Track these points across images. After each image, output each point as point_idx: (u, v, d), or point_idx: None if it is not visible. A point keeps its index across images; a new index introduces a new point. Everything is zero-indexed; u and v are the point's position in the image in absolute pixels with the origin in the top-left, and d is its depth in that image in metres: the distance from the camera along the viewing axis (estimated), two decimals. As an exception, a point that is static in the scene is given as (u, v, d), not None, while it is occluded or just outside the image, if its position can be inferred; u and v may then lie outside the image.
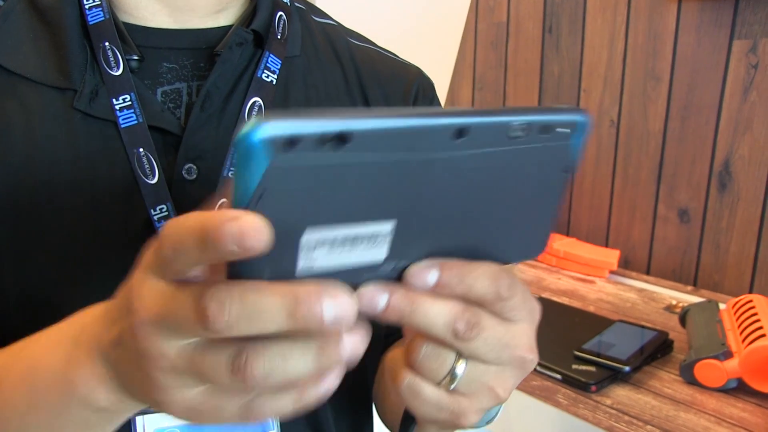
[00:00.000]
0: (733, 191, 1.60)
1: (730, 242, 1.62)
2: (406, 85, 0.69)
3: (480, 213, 0.34)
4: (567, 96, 1.92)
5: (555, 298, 1.53)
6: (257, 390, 0.32)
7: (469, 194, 0.33)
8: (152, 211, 0.54)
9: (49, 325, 0.47)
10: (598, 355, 1.16)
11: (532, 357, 0.40)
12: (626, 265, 1.81)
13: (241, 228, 0.26)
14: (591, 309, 1.47)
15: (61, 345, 0.40)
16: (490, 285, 0.36)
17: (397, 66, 0.71)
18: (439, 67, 2.22)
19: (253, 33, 0.60)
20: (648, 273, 1.77)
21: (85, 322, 0.40)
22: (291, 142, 0.27)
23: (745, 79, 1.56)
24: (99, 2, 0.57)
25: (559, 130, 0.32)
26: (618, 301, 1.53)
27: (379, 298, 0.34)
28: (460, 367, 0.39)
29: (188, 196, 0.56)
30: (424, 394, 0.40)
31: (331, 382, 0.32)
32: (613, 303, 1.52)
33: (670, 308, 1.48)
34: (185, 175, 0.56)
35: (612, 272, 1.72)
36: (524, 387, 1.12)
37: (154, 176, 0.55)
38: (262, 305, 0.28)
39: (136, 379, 0.35)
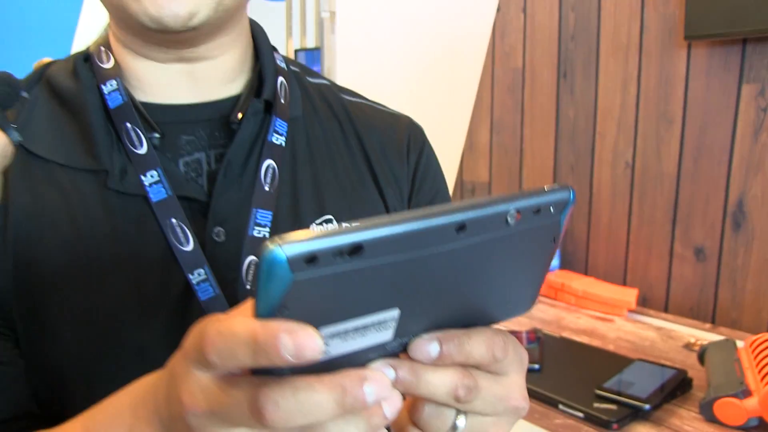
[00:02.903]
0: (748, 230, 1.64)
1: (746, 280, 1.65)
2: (399, 134, 0.73)
3: (477, 287, 0.37)
4: (582, 138, 1.97)
5: (575, 337, 1.57)
6: None
7: (468, 274, 0.35)
8: (190, 276, 0.58)
9: (105, 393, 0.52)
10: (619, 394, 1.19)
11: (524, 404, 0.43)
12: (644, 303, 1.85)
13: (299, 342, 0.29)
14: (611, 347, 1.50)
15: (121, 416, 0.44)
16: (486, 350, 0.39)
17: (389, 116, 0.75)
18: (458, 111, 2.29)
19: (264, 102, 0.65)
20: (666, 311, 1.80)
21: (140, 394, 0.43)
22: (311, 260, 0.28)
23: (756, 122, 1.61)
24: (116, 86, 0.61)
25: (550, 209, 0.35)
26: (637, 340, 1.56)
27: (386, 374, 0.37)
28: (461, 421, 0.42)
29: (220, 258, 0.60)
30: None
31: None
32: (632, 341, 1.55)
33: (689, 346, 1.51)
34: (215, 238, 0.60)
35: (630, 311, 1.75)
36: (548, 425, 1.15)
37: (188, 243, 0.59)
38: (314, 400, 0.31)
39: None
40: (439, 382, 0.38)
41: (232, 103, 0.65)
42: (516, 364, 0.42)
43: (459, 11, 2.25)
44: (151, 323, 0.59)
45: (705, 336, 1.57)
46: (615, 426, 1.12)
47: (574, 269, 2.00)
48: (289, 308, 0.30)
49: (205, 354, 0.33)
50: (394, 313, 0.34)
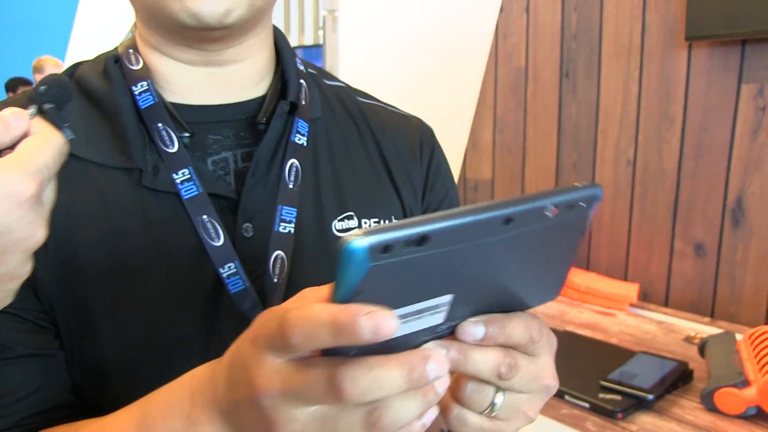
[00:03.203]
0: (747, 226, 1.68)
1: (745, 275, 1.70)
2: (411, 135, 0.77)
3: (516, 274, 0.41)
4: (585, 137, 2.01)
5: (579, 331, 1.61)
6: None
7: (509, 262, 0.40)
8: (221, 269, 0.61)
9: (142, 378, 0.54)
10: (623, 385, 1.23)
11: (555, 383, 0.48)
12: (645, 298, 1.89)
13: (377, 322, 0.32)
14: (613, 341, 1.54)
15: (176, 406, 0.47)
16: (525, 332, 0.43)
17: (401, 118, 0.79)
18: (461, 110, 2.33)
19: (291, 104, 0.68)
20: (666, 305, 1.85)
21: (195, 384, 0.47)
22: (385, 249, 0.32)
23: (754, 121, 1.65)
24: (147, 87, 0.63)
25: (581, 204, 0.39)
26: (639, 333, 1.61)
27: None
28: (499, 398, 0.46)
29: (248, 253, 0.63)
30: (471, 422, 0.47)
31: (430, 415, 0.40)
32: (635, 335, 1.59)
33: (689, 339, 1.55)
34: (244, 234, 0.63)
35: (632, 305, 1.79)
36: (555, 415, 1.20)
37: (219, 239, 0.61)
38: (386, 376, 0.35)
39: None
40: (484, 360, 0.43)
41: (258, 104, 0.68)
42: (548, 347, 0.46)
43: (462, 11, 2.29)
44: (185, 315, 0.62)
45: (704, 329, 1.61)
46: (620, 415, 1.16)
47: (576, 265, 2.04)
48: (363, 293, 0.33)
49: (287, 338, 0.36)
50: (448, 298, 0.38)
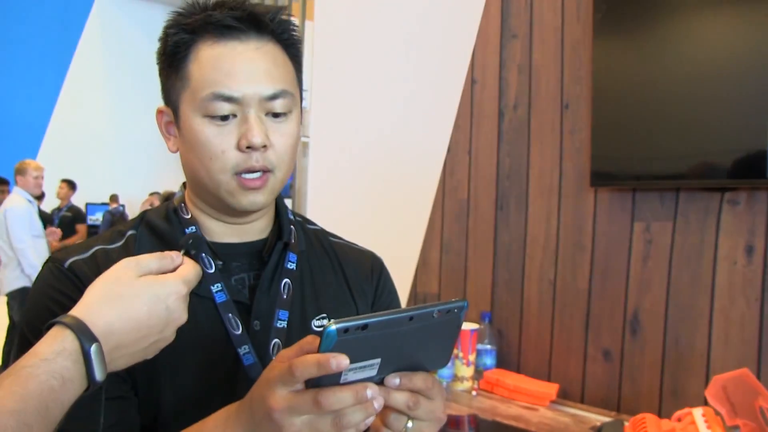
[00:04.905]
0: (642, 336, 2.07)
1: (642, 376, 2.07)
2: (366, 264, 1.13)
3: (418, 350, 0.68)
4: (515, 260, 2.42)
5: (506, 422, 1.94)
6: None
7: (413, 343, 0.66)
8: (239, 349, 0.95)
9: (185, 423, 0.84)
10: (534, 459, 1.57)
11: (444, 417, 0.80)
12: (566, 396, 2.24)
13: (339, 361, 0.63)
14: (533, 429, 1.88)
15: (212, 428, 0.79)
16: (423, 383, 0.74)
17: (360, 252, 1.16)
18: (413, 234, 2.72)
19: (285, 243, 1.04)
20: (582, 402, 2.20)
21: (227, 414, 0.79)
22: (346, 330, 0.60)
23: (644, 251, 2.07)
24: (195, 230, 0.99)
25: (455, 311, 0.68)
26: (555, 424, 1.95)
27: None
28: (410, 424, 0.77)
29: (256, 340, 0.96)
30: None
31: (370, 420, 0.71)
32: (551, 425, 1.94)
33: (593, 428, 1.89)
34: (255, 328, 0.97)
35: (552, 401, 2.14)
36: (479, 481, 1.52)
37: (238, 329, 0.95)
38: (345, 396, 0.66)
39: None
40: (400, 398, 0.75)
41: (263, 243, 1.04)
42: (440, 394, 0.78)
43: (416, 150, 2.72)
44: (215, 378, 0.95)
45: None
46: (528, 481, 1.49)
47: (508, 368, 2.39)
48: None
49: (293, 372, 0.67)
50: (378, 360, 0.67)
